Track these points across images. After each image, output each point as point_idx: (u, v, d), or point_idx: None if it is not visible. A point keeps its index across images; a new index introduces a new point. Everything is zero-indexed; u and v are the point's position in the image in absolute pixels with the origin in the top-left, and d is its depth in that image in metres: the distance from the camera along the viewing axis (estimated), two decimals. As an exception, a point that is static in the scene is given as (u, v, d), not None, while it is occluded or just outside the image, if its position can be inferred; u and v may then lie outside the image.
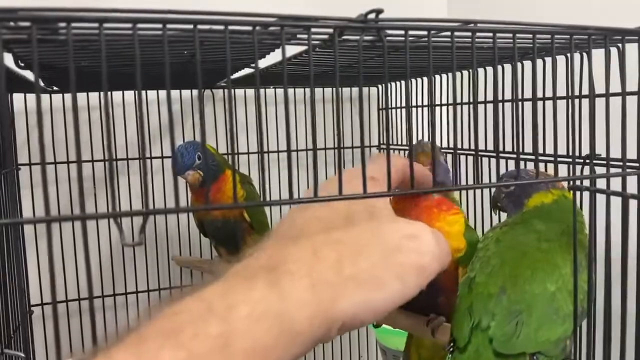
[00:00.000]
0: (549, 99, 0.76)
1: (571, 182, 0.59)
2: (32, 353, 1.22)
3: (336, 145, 0.44)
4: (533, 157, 0.64)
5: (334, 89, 1.42)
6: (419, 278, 0.36)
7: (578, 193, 0.60)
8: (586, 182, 0.58)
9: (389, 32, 0.47)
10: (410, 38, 0.48)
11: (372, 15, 0.45)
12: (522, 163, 0.82)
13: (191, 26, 0.41)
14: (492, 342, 0.56)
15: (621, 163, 0.68)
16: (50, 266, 0.38)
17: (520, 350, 0.56)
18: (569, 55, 0.79)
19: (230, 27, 0.43)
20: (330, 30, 0.46)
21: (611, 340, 0.55)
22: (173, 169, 1.12)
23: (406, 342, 0.87)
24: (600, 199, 0.56)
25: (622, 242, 0.62)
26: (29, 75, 0.89)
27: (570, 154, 0.66)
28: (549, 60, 0.80)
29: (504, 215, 0.88)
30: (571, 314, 0.55)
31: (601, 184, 0.57)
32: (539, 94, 0.85)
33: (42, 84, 1.07)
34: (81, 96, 1.17)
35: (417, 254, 0.36)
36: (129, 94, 1.24)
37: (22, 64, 0.60)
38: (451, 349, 0.59)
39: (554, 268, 0.59)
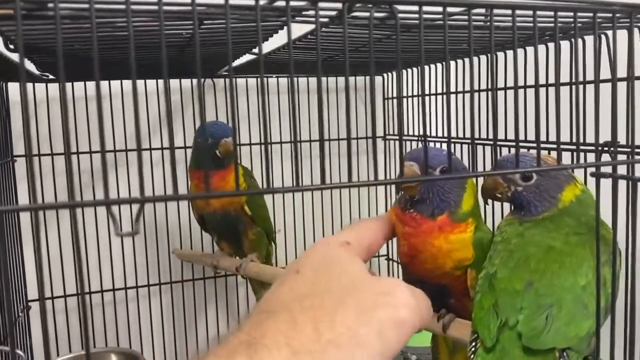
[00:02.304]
0: (566, 84, 0.73)
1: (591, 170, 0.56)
2: (30, 349, 1.19)
3: (345, 136, 0.41)
4: (554, 145, 0.61)
5: (337, 78, 1.39)
6: (399, 332, 0.36)
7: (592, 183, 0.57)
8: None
9: (401, 8, 0.44)
10: (424, 16, 0.44)
11: (384, -11, 0.42)
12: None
13: (189, 0, 0.38)
14: (520, 338, 0.54)
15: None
16: (38, 256, 0.34)
17: (551, 345, 0.53)
18: (586, 38, 0.76)
19: (231, 2, 0.39)
20: (339, 6, 0.43)
21: (634, 336, 0.53)
22: (198, 139, 1.08)
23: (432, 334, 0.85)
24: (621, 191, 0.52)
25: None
26: (25, 62, 0.86)
27: (589, 142, 0.63)
28: (565, 45, 0.77)
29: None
30: (600, 309, 0.52)
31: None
32: (544, 79, 0.82)
33: (36, 70, 1.03)
34: (78, 86, 1.14)
35: (392, 309, 0.37)
36: (127, 85, 1.21)
37: (12, 47, 0.57)
38: (474, 348, 0.56)
39: (582, 261, 0.56)
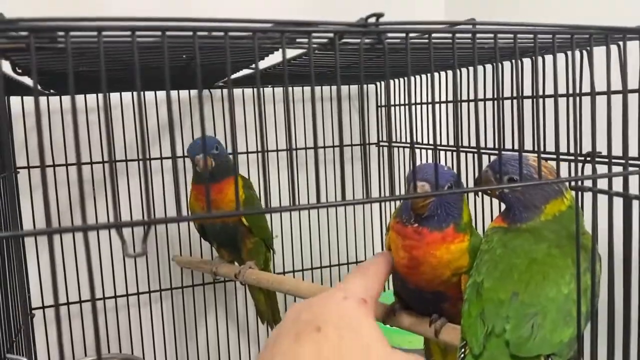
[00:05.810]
0: (549, 96, 0.76)
1: (573, 183, 0.59)
2: (35, 356, 1.22)
3: (337, 144, 0.44)
4: (535, 155, 0.64)
5: (332, 87, 1.42)
6: None
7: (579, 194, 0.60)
8: (587, 182, 0.58)
9: (390, 34, 0.47)
10: (411, 41, 0.48)
11: (372, 19, 0.45)
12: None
13: (190, 33, 0.41)
14: (508, 346, 0.56)
15: (623, 161, 0.67)
16: (53, 275, 0.37)
17: (537, 352, 0.56)
18: (568, 53, 0.79)
19: (230, 34, 0.42)
20: (330, 35, 0.46)
21: (614, 339, 0.55)
22: (188, 153, 1.11)
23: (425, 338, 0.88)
24: (601, 199, 0.55)
25: (624, 243, 0.62)
26: (26, 78, 0.89)
27: (572, 152, 0.66)
28: (548, 57, 0.80)
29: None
30: (582, 315, 0.55)
31: (602, 183, 0.57)
32: (538, 92, 0.85)
33: (39, 87, 1.06)
34: (79, 98, 1.17)
35: None
36: (127, 95, 1.24)
37: (20, 71, 0.60)
38: (463, 355, 0.59)
39: (565, 271, 0.59)
